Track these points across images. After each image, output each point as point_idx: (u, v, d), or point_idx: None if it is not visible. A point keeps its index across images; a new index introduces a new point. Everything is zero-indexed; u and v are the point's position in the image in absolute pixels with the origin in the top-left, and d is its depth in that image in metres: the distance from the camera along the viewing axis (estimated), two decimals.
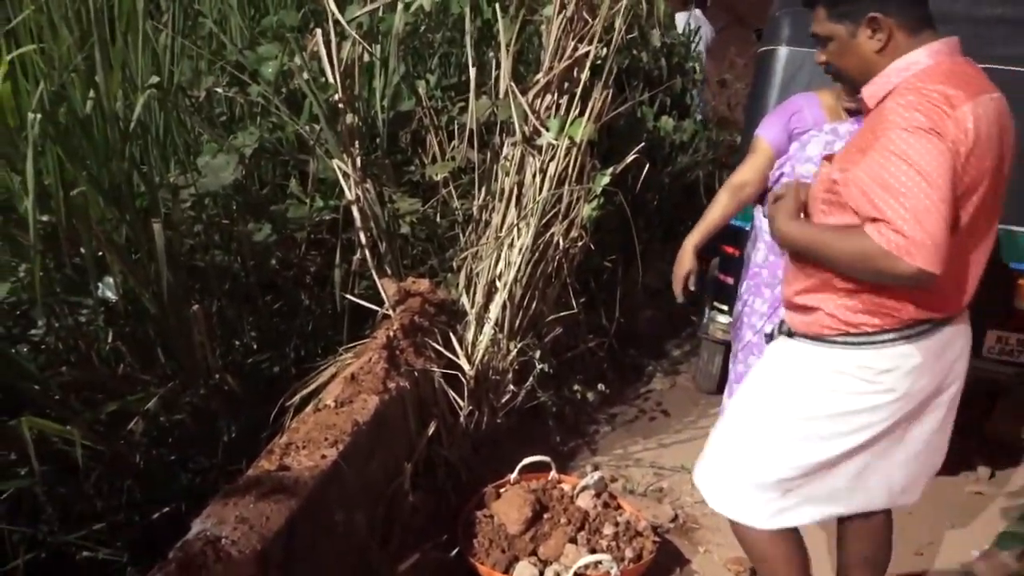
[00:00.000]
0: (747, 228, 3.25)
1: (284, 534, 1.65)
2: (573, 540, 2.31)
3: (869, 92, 1.71)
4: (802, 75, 3.13)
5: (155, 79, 2.40)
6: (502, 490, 2.51)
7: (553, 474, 2.59)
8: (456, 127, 3.19)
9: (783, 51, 3.17)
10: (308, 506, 1.75)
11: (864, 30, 1.68)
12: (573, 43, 3.08)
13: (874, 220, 1.53)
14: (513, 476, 2.55)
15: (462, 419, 2.61)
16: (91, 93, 2.34)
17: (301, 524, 1.72)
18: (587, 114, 2.88)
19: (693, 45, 5.17)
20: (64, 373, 2.43)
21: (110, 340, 2.60)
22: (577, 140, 2.81)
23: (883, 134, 1.57)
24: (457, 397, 2.59)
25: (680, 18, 5.46)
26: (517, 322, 2.87)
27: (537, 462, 2.59)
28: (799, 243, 1.76)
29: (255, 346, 3.05)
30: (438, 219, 3.11)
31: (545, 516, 2.40)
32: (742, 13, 11.37)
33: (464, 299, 2.82)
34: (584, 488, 2.49)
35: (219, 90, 3.15)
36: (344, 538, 1.98)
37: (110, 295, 2.48)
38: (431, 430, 2.45)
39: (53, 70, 2.21)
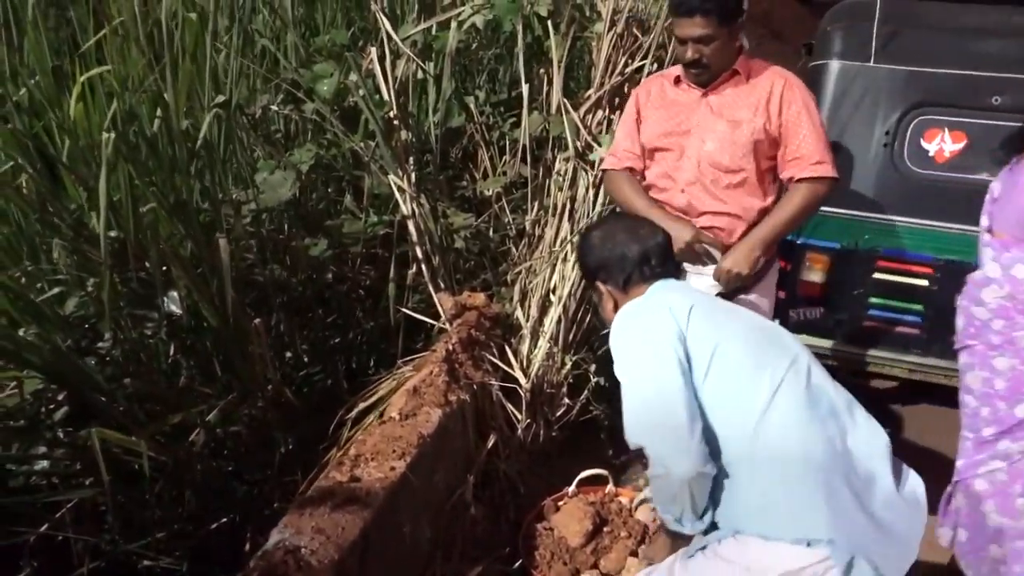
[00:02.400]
0: (797, 242, 3.26)
1: (359, 545, 1.68)
2: (634, 553, 2.31)
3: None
4: (855, 88, 3.13)
5: (221, 98, 2.45)
6: (561, 503, 2.51)
7: (610, 487, 2.59)
8: (507, 142, 3.23)
9: (835, 65, 3.17)
10: (379, 517, 1.78)
11: None
12: (624, 59, 3.11)
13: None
14: (571, 489, 2.56)
15: (519, 432, 2.63)
16: (158, 112, 2.41)
17: (374, 535, 1.74)
18: None
19: None
20: (128, 385, 2.49)
21: (171, 353, 2.65)
22: None
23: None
24: (515, 410, 2.60)
25: None
26: (571, 335, 2.88)
27: (593, 475, 2.59)
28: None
29: (306, 359, 3.10)
30: (490, 233, 3.14)
31: (605, 530, 2.41)
32: (776, 27, 11.32)
33: (519, 313, 2.84)
34: (643, 501, 2.49)
35: (274, 108, 3.22)
36: (410, 549, 2.00)
37: (175, 309, 2.53)
38: (491, 443, 2.46)
39: (126, 91, 2.27)
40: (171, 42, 2.20)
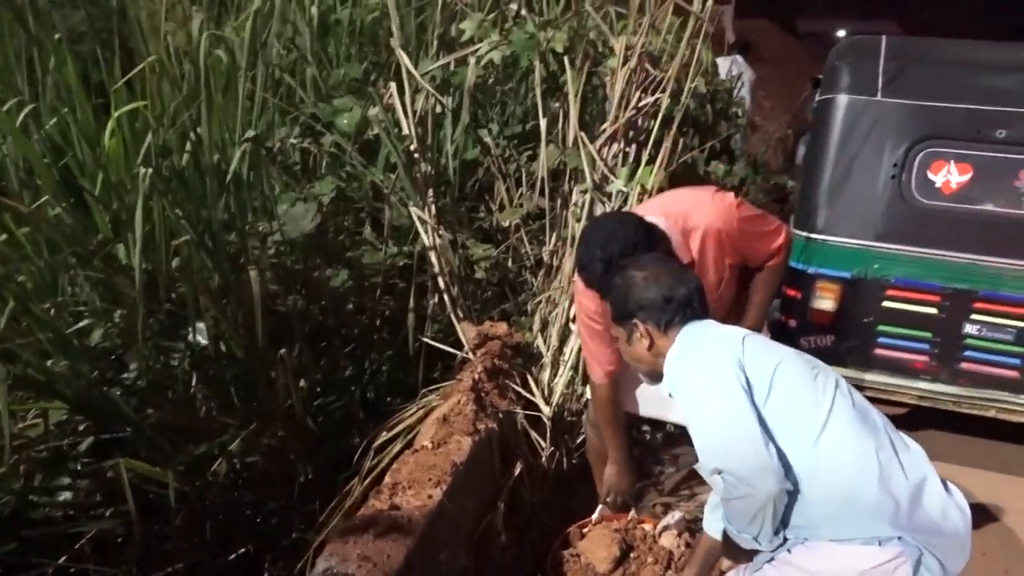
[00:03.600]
0: (808, 271, 3.32)
1: (403, 572, 1.70)
2: None
3: None
4: (863, 122, 3.21)
5: (251, 133, 2.50)
6: (585, 530, 2.54)
7: (633, 514, 2.62)
8: (523, 175, 3.29)
9: (843, 99, 3.26)
10: (421, 544, 1.80)
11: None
12: (638, 94, 3.18)
13: None
14: (595, 516, 2.59)
15: (543, 460, 2.66)
16: (187, 147, 2.46)
17: (416, 562, 1.76)
18: (658, 161, 2.96)
19: (735, 91, 5.29)
20: (151, 416, 2.50)
21: (194, 383, 2.67)
22: (648, 187, 2.89)
23: None
24: (539, 438, 2.64)
25: (723, 64, 5.58)
26: None
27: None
28: None
29: (319, 389, 3.12)
30: (509, 264, 3.19)
31: (632, 555, 2.43)
32: (767, 58, 11.54)
33: (539, 341, 2.88)
34: (666, 528, 2.52)
35: (293, 141, 3.27)
36: None
37: (202, 340, 2.56)
38: (517, 470, 2.49)
39: (162, 126, 2.31)
40: (207, 79, 2.24)
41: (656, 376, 1.97)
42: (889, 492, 1.67)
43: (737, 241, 2.35)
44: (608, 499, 2.61)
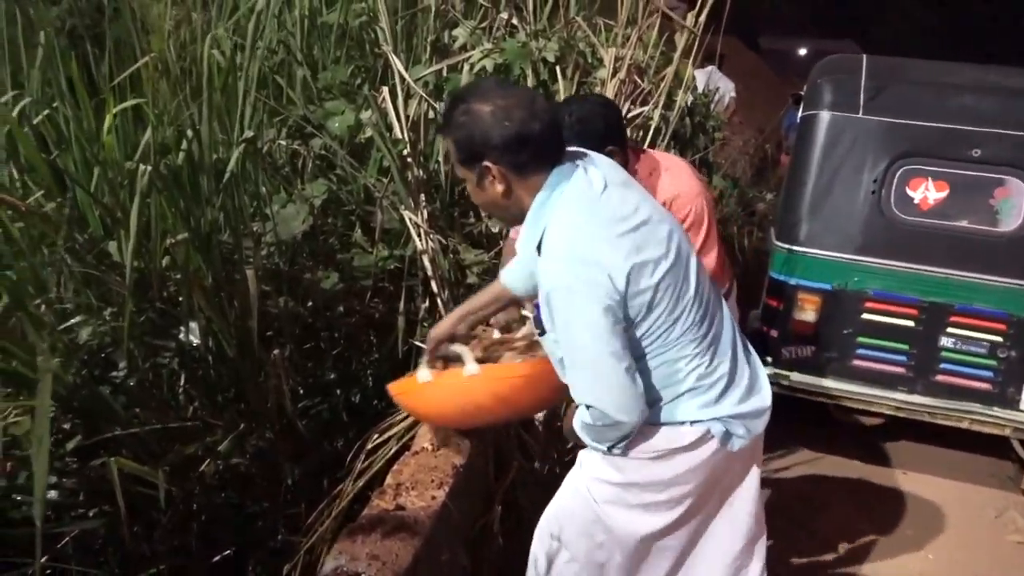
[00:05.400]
0: (790, 282, 3.40)
1: (411, 571, 1.71)
2: None
3: None
4: (844, 138, 3.30)
5: (249, 134, 2.50)
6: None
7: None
8: None
9: (825, 115, 3.34)
10: (426, 545, 1.81)
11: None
12: (627, 104, 3.23)
13: None
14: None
15: (536, 464, 2.68)
16: (184, 145, 2.45)
17: (423, 563, 1.77)
18: None
19: (713, 104, 5.38)
20: (139, 415, 2.48)
21: (183, 383, 2.65)
22: None
23: None
24: (533, 441, 2.66)
25: (700, 76, 5.67)
26: None
27: None
28: None
29: (302, 391, 3.11)
30: (499, 270, 3.20)
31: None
32: (735, 74, 11.72)
33: None
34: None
35: (282, 142, 3.26)
36: None
37: (194, 340, 2.54)
38: (512, 473, 2.51)
39: (161, 124, 2.30)
40: (210, 80, 2.24)
41: (512, 220, 1.85)
42: (705, 383, 1.77)
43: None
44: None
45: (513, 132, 1.65)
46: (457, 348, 2.06)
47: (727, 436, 1.80)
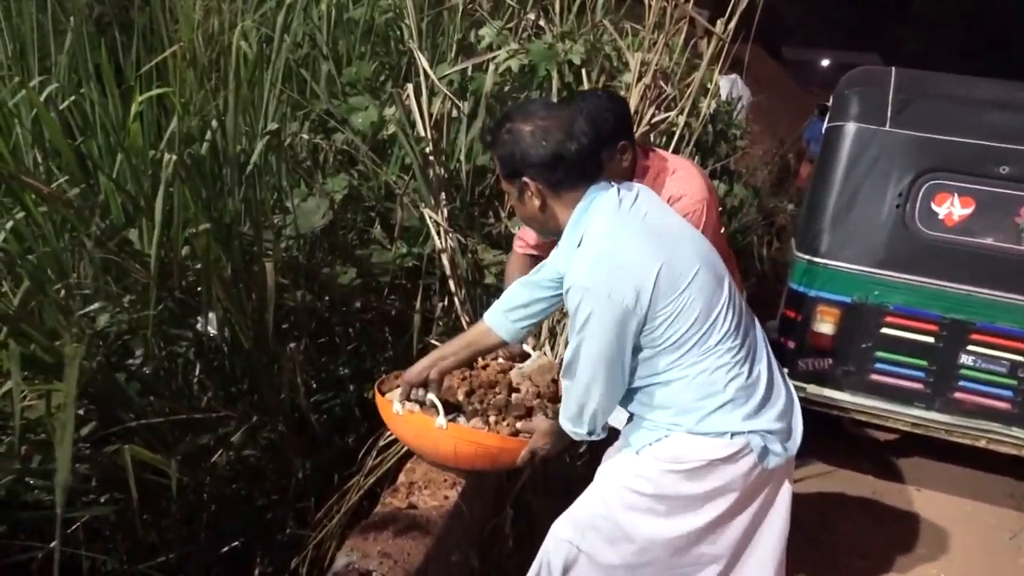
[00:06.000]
0: (809, 294, 3.37)
1: (423, 570, 1.70)
2: None
3: None
4: (870, 150, 3.27)
5: (273, 126, 2.50)
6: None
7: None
8: None
9: (851, 127, 3.32)
10: (438, 544, 1.81)
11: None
12: (652, 110, 3.22)
13: None
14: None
15: (548, 467, 2.67)
16: (208, 136, 2.45)
17: (433, 562, 1.77)
18: None
19: (735, 112, 5.36)
20: (153, 403, 2.48)
21: (197, 373, 2.66)
22: None
23: None
24: None
25: (724, 84, 5.66)
26: None
27: None
28: None
29: (315, 385, 3.11)
30: None
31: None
32: (755, 82, 11.69)
33: (547, 350, 2.89)
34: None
35: (304, 136, 3.27)
36: None
37: (211, 330, 2.54)
38: (524, 476, 2.50)
39: (188, 113, 2.30)
40: (237, 71, 2.24)
41: (548, 233, 1.94)
42: (744, 395, 1.80)
43: None
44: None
45: (549, 152, 1.78)
46: (431, 397, 2.08)
47: (764, 452, 1.81)
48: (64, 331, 2.25)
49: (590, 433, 1.91)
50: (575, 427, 1.91)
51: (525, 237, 2.69)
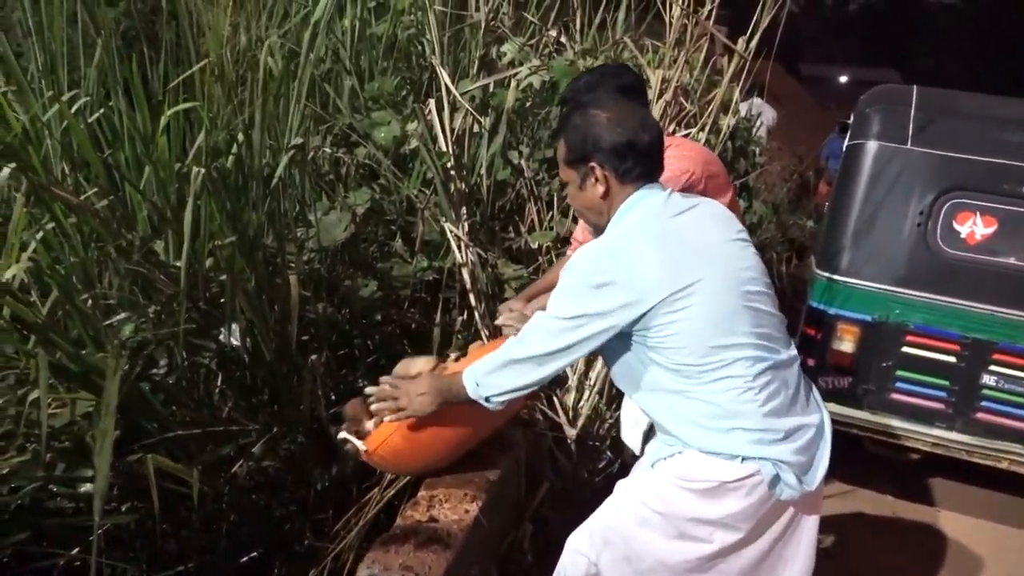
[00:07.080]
0: (829, 312, 3.36)
1: None
2: None
3: None
4: (891, 168, 3.27)
5: (298, 140, 2.53)
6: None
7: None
8: (555, 198, 3.32)
9: (872, 145, 3.32)
10: (458, 558, 1.81)
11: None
12: (672, 127, 3.23)
13: None
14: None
15: (567, 481, 2.67)
16: (234, 149, 2.49)
17: (453, 575, 1.77)
18: None
19: (754, 129, 5.37)
20: (176, 413, 2.51)
21: (219, 384, 2.68)
22: None
23: None
24: (564, 459, 2.65)
25: (742, 106, 5.67)
26: (615, 390, 2.94)
27: None
28: None
29: (334, 397, 3.12)
30: None
31: None
32: (772, 94, 11.71)
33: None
34: None
35: (327, 150, 3.30)
36: None
37: (235, 341, 2.57)
38: (543, 490, 2.50)
39: (215, 127, 2.34)
40: (265, 86, 2.27)
41: (601, 227, 1.91)
42: (762, 421, 1.75)
43: None
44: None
45: (624, 139, 1.80)
46: (344, 434, 2.26)
47: (775, 480, 1.75)
48: (90, 341, 2.29)
49: (486, 400, 1.89)
50: (479, 381, 1.89)
51: (579, 237, 2.69)
